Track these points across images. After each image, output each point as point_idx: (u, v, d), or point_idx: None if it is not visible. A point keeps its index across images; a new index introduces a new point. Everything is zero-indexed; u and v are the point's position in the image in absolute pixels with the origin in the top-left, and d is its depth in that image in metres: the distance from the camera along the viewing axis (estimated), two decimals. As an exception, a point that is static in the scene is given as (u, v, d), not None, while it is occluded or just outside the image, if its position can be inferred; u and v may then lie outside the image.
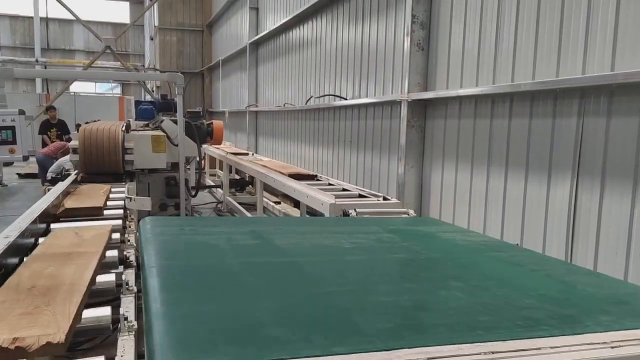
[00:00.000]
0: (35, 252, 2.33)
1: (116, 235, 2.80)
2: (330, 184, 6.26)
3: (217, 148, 11.44)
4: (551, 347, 1.42)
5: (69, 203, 3.54)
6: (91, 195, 3.91)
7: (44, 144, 12.92)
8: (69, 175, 5.75)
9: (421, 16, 5.25)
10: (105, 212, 3.49)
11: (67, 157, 10.26)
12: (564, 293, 1.92)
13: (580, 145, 3.54)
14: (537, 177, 3.93)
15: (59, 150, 12.04)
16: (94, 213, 3.38)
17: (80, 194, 4.00)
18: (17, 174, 14.15)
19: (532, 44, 3.93)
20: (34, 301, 1.69)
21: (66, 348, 1.47)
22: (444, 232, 3.07)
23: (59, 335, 1.45)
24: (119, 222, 3.15)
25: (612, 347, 1.43)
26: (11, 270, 2.07)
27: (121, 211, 3.56)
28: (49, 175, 10.46)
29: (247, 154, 11.14)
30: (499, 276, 2.15)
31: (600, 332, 1.53)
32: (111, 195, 4.03)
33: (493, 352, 1.38)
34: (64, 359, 1.75)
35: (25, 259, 2.25)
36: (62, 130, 13.51)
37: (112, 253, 2.42)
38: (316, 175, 6.85)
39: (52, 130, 13.53)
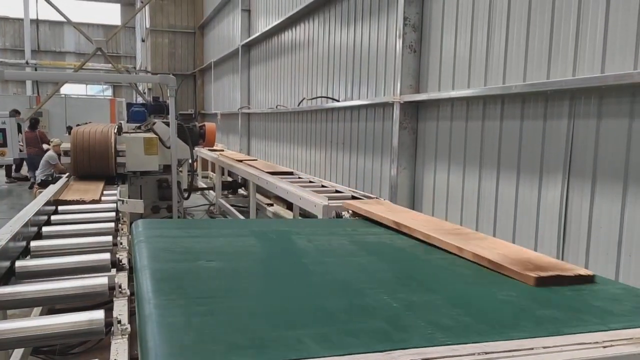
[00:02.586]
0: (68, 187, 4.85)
1: (108, 239, 2.79)
2: (323, 186, 6.25)
3: (238, 161, 8.92)
4: (544, 347, 1.43)
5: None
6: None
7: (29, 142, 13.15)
8: (59, 177, 5.72)
9: (413, 18, 5.27)
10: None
11: (51, 152, 10.26)
12: (555, 293, 1.94)
13: (570, 147, 3.57)
14: (528, 179, 3.95)
15: (35, 140, 12.30)
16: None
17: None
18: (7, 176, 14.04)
19: (523, 46, 3.96)
20: (82, 193, 4.37)
21: (98, 202, 4.11)
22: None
23: (96, 197, 4.20)
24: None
25: (604, 347, 1.44)
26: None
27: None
28: (39, 178, 10.40)
29: (289, 174, 7.33)
30: (490, 277, 2.16)
31: (592, 332, 1.55)
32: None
33: (486, 353, 1.38)
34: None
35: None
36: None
37: (105, 256, 2.41)
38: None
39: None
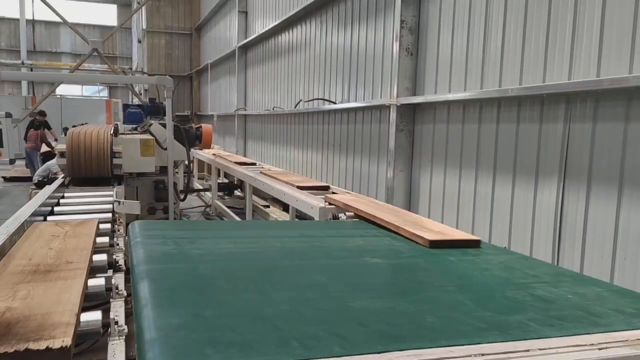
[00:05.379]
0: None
1: (105, 240, 2.78)
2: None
3: (264, 172, 7.21)
4: (540, 349, 1.44)
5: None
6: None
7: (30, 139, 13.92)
8: (56, 178, 5.70)
9: (410, 21, 5.29)
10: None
11: (54, 160, 10.27)
12: (551, 295, 1.95)
13: (566, 150, 3.59)
14: (524, 181, 3.97)
15: (35, 137, 12.81)
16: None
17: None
18: (3, 177, 13.99)
19: (520, 49, 3.98)
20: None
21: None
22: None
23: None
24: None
25: (600, 349, 1.45)
26: None
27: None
28: (36, 178, 10.39)
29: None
30: (486, 278, 2.17)
31: (588, 334, 1.56)
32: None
33: (482, 355, 1.39)
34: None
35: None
36: (45, 127, 14.65)
37: (102, 257, 2.41)
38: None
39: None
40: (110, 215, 3.54)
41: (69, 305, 1.66)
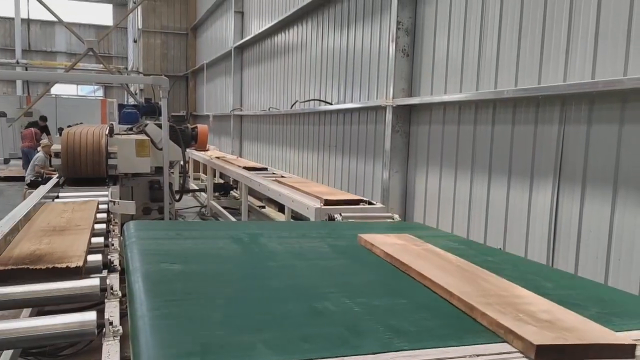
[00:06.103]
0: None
1: (100, 240, 2.77)
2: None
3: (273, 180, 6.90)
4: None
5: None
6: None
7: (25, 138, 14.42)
8: (50, 178, 5.68)
9: (406, 22, 5.29)
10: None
11: (40, 153, 10.26)
12: (546, 296, 1.95)
13: (561, 152, 3.60)
14: (519, 183, 3.98)
15: (33, 137, 13.27)
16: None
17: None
18: (-3, 176, 13.93)
19: (515, 51, 4.00)
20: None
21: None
22: (428, 237, 3.10)
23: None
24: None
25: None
26: None
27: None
28: (28, 178, 10.34)
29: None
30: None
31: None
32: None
33: (478, 355, 1.40)
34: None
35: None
36: (45, 131, 15.01)
37: (96, 257, 2.40)
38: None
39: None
40: (105, 215, 3.53)
41: (80, 247, 2.41)
